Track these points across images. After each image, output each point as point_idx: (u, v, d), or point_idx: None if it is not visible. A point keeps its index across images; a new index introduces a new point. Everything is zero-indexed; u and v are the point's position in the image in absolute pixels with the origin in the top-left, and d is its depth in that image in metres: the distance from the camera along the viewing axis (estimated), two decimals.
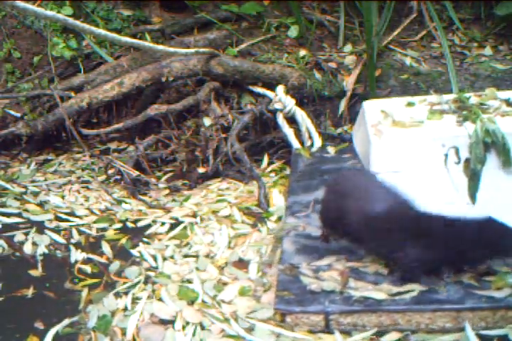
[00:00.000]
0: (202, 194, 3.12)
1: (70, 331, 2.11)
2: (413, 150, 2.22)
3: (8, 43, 3.79)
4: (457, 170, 2.24)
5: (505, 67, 3.56)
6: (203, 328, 2.07)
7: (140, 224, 2.86)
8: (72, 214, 2.94)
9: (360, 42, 3.80)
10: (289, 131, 3.35)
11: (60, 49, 3.65)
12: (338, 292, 2.03)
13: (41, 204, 3.02)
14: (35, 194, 3.14)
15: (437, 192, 2.25)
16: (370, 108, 2.52)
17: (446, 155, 2.23)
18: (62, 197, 3.16)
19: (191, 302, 2.21)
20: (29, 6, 2.20)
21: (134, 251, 2.61)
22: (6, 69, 3.79)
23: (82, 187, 3.29)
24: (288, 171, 3.26)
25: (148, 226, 2.83)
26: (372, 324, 1.98)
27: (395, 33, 3.85)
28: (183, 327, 2.08)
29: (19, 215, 2.88)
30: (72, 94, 3.54)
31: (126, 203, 3.08)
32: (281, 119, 3.37)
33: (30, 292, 2.32)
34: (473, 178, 2.23)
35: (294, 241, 2.37)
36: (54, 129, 3.62)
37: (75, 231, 2.76)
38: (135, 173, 3.30)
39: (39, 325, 2.14)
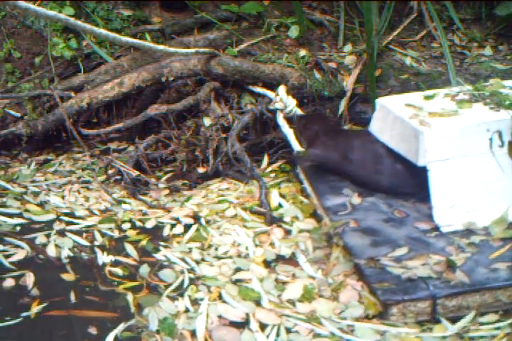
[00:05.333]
0: (202, 194, 3.12)
1: (130, 335, 2.08)
2: (461, 137, 2.33)
3: (8, 43, 3.79)
4: (502, 153, 2.38)
5: (505, 67, 3.57)
6: (288, 330, 2.04)
7: (147, 225, 2.84)
8: (72, 214, 2.93)
9: (360, 42, 3.80)
10: (288, 132, 3.35)
11: (60, 49, 3.65)
12: (435, 278, 2.08)
13: (41, 205, 3.02)
14: (36, 194, 3.14)
15: (485, 174, 2.38)
16: (391, 104, 2.60)
17: (490, 140, 2.35)
18: (63, 197, 3.16)
19: (257, 303, 2.19)
20: (31, 5, 2.20)
21: (160, 255, 2.57)
22: (6, 69, 3.79)
23: (82, 188, 3.28)
24: (289, 171, 3.26)
25: (157, 227, 2.82)
26: (476, 303, 2.07)
27: (395, 33, 3.85)
28: (262, 329, 2.05)
29: (20, 215, 2.88)
30: (72, 94, 3.54)
31: (125, 203, 3.07)
32: (281, 119, 3.36)
33: (72, 297, 2.28)
34: None
35: (355, 236, 2.40)
36: (54, 129, 3.62)
37: (97, 233, 2.75)
38: (135, 173, 3.30)
39: (92, 330, 2.09)
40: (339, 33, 3.82)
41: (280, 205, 2.89)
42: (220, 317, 2.13)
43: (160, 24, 3.82)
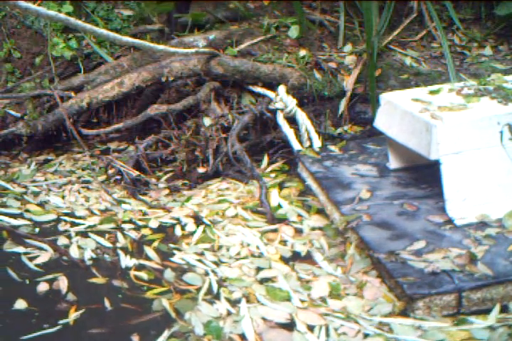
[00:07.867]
0: (202, 194, 3.12)
1: None
2: (473, 130, 2.35)
3: (8, 43, 3.79)
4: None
5: (505, 67, 3.57)
6: (337, 331, 2.01)
7: (153, 226, 2.83)
8: (73, 214, 2.93)
9: (360, 42, 3.80)
10: (289, 131, 3.35)
11: (60, 49, 3.65)
12: (458, 271, 2.09)
13: (41, 205, 3.01)
14: (36, 194, 3.14)
15: (497, 167, 2.40)
16: (398, 99, 2.61)
17: (501, 132, 2.36)
18: (63, 197, 3.16)
19: (289, 302, 2.18)
20: (31, 5, 2.20)
21: (176, 258, 2.54)
22: (6, 69, 3.79)
23: (83, 188, 3.28)
24: (288, 171, 3.26)
25: (162, 228, 2.81)
26: (499, 296, 2.07)
27: (395, 33, 3.86)
28: (311, 330, 2.02)
29: (21, 216, 2.87)
30: (72, 94, 3.54)
31: (125, 203, 3.07)
32: (281, 119, 3.37)
33: (107, 303, 2.23)
34: None
35: (371, 230, 2.40)
36: (54, 129, 3.61)
37: (120, 235, 2.73)
38: (135, 173, 3.30)
39: (135, 339, 2.03)
40: (339, 33, 3.82)
41: (280, 205, 2.89)
42: (263, 319, 2.10)
43: (160, 24, 3.82)
